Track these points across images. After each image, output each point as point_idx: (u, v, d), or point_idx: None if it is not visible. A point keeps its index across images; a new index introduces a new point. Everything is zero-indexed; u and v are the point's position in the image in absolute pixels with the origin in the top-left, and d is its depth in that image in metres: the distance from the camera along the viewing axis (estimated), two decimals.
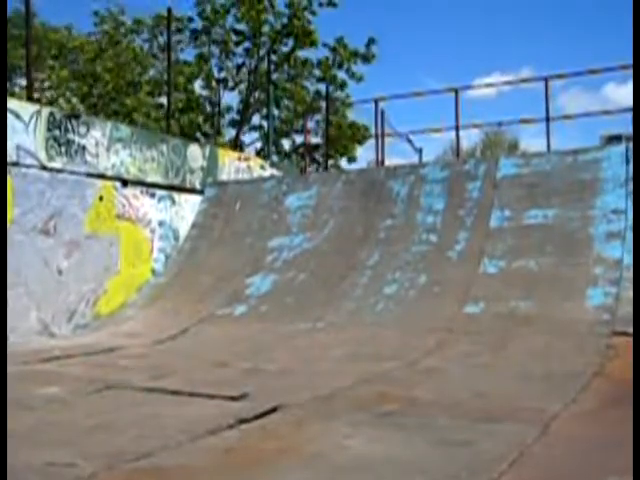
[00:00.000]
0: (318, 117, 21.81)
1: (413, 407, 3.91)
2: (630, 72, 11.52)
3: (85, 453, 3.00)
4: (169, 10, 12.07)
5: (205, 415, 3.70)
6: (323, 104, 19.06)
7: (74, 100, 20.93)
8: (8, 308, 6.92)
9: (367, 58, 22.39)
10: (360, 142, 22.31)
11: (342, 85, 22.51)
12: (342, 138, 21.58)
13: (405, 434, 3.33)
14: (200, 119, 22.59)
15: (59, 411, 3.93)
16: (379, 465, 2.89)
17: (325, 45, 22.19)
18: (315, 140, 22.61)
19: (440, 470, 2.83)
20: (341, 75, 22.62)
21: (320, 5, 21.77)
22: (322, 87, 21.57)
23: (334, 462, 2.93)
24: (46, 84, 20.70)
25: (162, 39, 22.51)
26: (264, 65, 21.68)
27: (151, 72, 22.45)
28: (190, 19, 22.12)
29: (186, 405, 4.03)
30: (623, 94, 45.43)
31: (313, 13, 21.82)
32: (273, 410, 3.77)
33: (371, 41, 22.25)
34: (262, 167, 12.15)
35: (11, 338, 6.76)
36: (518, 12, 59.08)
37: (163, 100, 20.75)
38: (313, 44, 21.84)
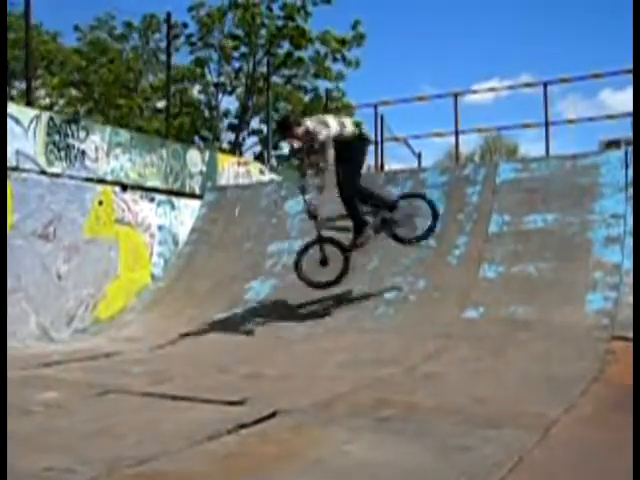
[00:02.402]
0: None
1: (413, 412, 3.90)
2: (626, 78, 11.55)
3: (84, 458, 2.99)
4: (168, 14, 12.08)
5: (205, 420, 3.70)
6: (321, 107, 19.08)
7: (68, 109, 20.95)
8: (7, 313, 6.91)
9: (357, 40, 22.34)
10: None
11: (338, 77, 22.44)
12: None
13: (405, 440, 3.33)
14: (198, 123, 22.61)
15: (58, 416, 3.93)
16: (379, 471, 2.88)
17: (317, 39, 22.17)
18: None
19: (440, 476, 2.83)
20: (338, 67, 22.60)
21: (315, 4, 21.78)
22: (320, 85, 21.56)
23: (334, 467, 2.93)
24: (40, 93, 20.71)
25: (153, 44, 22.53)
26: (261, 69, 21.72)
27: (147, 76, 22.48)
28: (185, 25, 22.15)
29: (186, 410, 4.02)
30: (619, 100, 45.66)
31: (308, 14, 21.85)
32: (272, 415, 3.76)
33: (356, 23, 22.24)
34: (261, 172, 12.16)
35: (10, 343, 6.74)
36: (518, 18, 59.24)
37: (160, 104, 20.80)
38: (308, 42, 21.82)
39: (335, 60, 22.46)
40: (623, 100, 44.37)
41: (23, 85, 14.36)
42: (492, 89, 36.28)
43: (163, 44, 15.90)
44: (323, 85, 20.20)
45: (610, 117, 14.92)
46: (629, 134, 13.52)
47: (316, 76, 22.45)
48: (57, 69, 21.11)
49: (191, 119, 21.92)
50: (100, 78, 20.62)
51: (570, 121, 15.27)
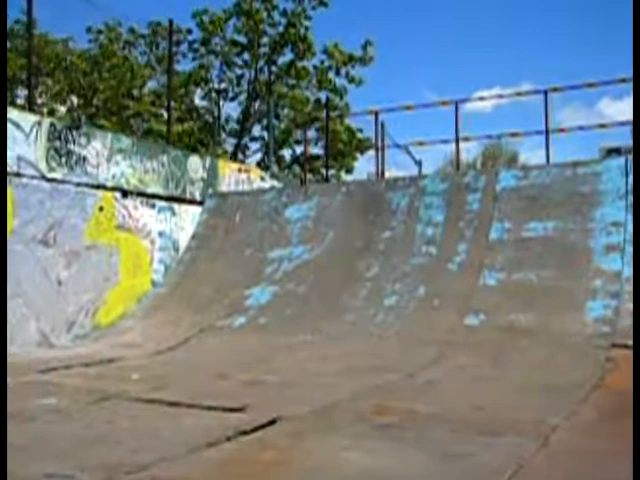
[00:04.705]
0: (318, 125, 21.81)
1: (412, 420, 3.90)
2: (625, 86, 11.58)
3: (83, 465, 2.99)
4: (170, 21, 12.13)
5: (204, 427, 3.69)
6: (323, 113, 19.11)
7: (72, 114, 21.00)
8: (7, 318, 6.91)
9: (364, 60, 22.40)
10: (361, 151, 22.30)
11: (341, 92, 22.48)
12: (345, 146, 21.59)
13: (404, 447, 3.32)
14: (200, 129, 22.65)
15: (58, 422, 3.92)
16: (379, 477, 2.88)
17: (324, 52, 22.27)
18: (315, 150, 22.65)
19: None
20: (340, 81, 22.67)
21: (313, 8, 21.84)
22: (322, 95, 21.63)
23: (333, 475, 2.92)
24: (43, 97, 20.76)
25: (160, 50, 22.62)
26: (263, 76, 21.79)
27: (150, 83, 22.55)
28: (189, 31, 22.21)
29: (185, 417, 4.02)
30: (617, 109, 45.86)
31: (308, 18, 21.91)
32: (272, 422, 3.76)
33: (367, 43, 22.29)
34: (262, 178, 12.17)
35: (10, 349, 6.74)
36: (520, 27, 59.38)
37: (162, 111, 20.85)
38: (309, 49, 21.89)
39: (338, 74, 22.53)
40: (621, 109, 44.63)
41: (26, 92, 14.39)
42: (492, 97, 36.35)
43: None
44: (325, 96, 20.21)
45: (610, 125, 14.94)
46: (629, 142, 13.55)
47: (319, 89, 22.53)
48: (62, 73, 21.14)
49: (196, 125, 21.97)
50: (106, 82, 20.69)
51: (565, 129, 15.17)
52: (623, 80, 12.50)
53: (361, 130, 21.67)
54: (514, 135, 18.05)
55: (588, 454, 3.19)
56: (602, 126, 14.93)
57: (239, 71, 23.06)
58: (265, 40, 22.19)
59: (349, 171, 23.14)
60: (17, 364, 5.95)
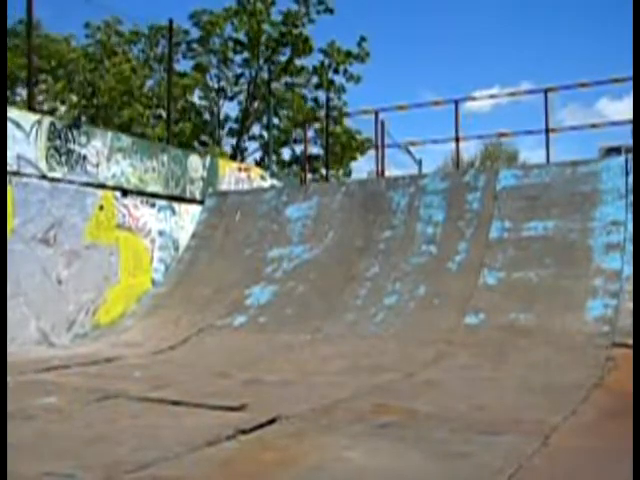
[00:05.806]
0: (317, 125, 21.77)
1: (412, 419, 3.90)
2: (624, 86, 11.58)
3: (84, 464, 2.99)
4: (170, 21, 12.11)
5: (204, 426, 3.69)
6: (322, 113, 19.10)
7: (73, 112, 20.96)
8: (7, 318, 6.91)
9: (361, 57, 22.41)
10: (361, 152, 22.26)
11: (339, 90, 22.48)
12: (343, 150, 21.55)
13: (404, 446, 3.32)
14: (199, 129, 22.61)
15: (58, 421, 3.92)
16: (378, 477, 2.88)
17: (321, 51, 22.31)
18: (315, 150, 22.64)
19: None
20: (338, 79, 22.68)
21: (318, 13, 21.86)
22: (321, 95, 21.63)
23: (333, 474, 2.92)
24: (43, 96, 20.73)
25: (159, 50, 22.60)
26: (263, 74, 21.78)
27: (149, 83, 22.51)
28: (186, 31, 22.18)
29: (185, 416, 4.02)
30: (615, 109, 45.97)
31: (311, 21, 21.93)
32: (272, 421, 3.76)
33: (362, 39, 22.32)
34: (262, 177, 12.17)
35: (10, 348, 6.74)
36: (519, 26, 59.33)
37: (161, 111, 20.83)
38: (309, 50, 21.91)
39: (336, 72, 22.53)
40: (619, 109, 44.76)
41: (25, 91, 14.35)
42: (493, 96, 36.35)
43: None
44: (324, 96, 20.20)
45: (604, 125, 14.97)
46: (629, 142, 13.54)
47: (317, 87, 22.54)
48: (63, 71, 21.11)
49: (192, 124, 21.92)
50: (107, 82, 20.66)
51: (557, 129, 15.15)
52: (618, 80, 12.51)
53: (360, 132, 21.65)
54: (510, 134, 18.05)
55: (588, 454, 3.19)
56: (595, 126, 14.93)
57: (238, 70, 23.05)
58: (265, 39, 22.16)
59: (347, 174, 23.12)
60: (17, 363, 5.95)
